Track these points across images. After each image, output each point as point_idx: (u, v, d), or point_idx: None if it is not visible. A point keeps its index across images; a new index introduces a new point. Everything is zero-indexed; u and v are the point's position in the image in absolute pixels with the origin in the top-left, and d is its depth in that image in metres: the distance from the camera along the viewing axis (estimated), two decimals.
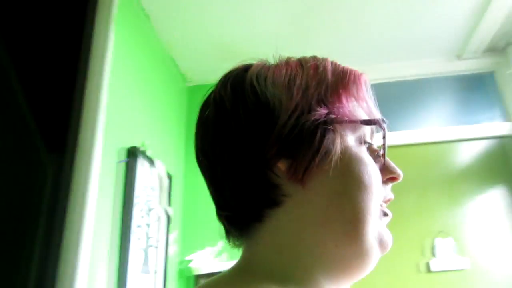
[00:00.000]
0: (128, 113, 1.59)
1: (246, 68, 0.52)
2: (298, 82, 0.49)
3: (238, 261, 0.50)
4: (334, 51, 2.17)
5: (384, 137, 0.50)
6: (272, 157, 0.46)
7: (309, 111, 0.47)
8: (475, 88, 2.30)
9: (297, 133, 0.46)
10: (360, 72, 0.53)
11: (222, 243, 1.75)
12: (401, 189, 0.69)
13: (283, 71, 0.50)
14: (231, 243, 0.52)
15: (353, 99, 0.50)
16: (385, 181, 0.50)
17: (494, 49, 2.22)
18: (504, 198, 2.11)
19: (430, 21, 1.99)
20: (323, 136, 0.46)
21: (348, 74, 0.51)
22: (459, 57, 2.28)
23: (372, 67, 2.31)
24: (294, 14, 1.90)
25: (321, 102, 0.48)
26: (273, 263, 0.47)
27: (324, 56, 0.54)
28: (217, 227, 0.53)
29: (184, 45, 2.09)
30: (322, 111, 0.47)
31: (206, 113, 0.52)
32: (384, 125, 0.50)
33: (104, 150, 1.30)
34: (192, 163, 0.70)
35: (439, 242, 2.04)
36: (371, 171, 0.47)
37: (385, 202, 0.50)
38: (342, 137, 0.47)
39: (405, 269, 2.02)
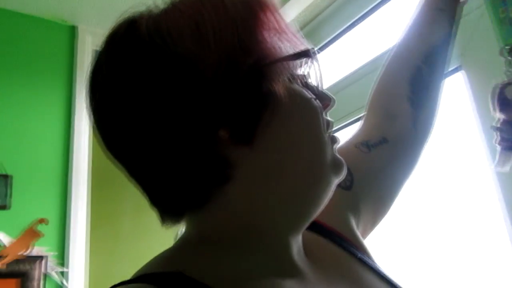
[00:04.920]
0: None
1: (131, 24, 0.43)
2: (209, 27, 0.41)
3: (185, 234, 0.46)
4: None
5: (318, 68, 0.46)
6: (212, 128, 0.41)
7: (235, 63, 0.40)
8: None
9: (231, 95, 0.40)
10: None
11: None
12: None
13: (186, 15, 0.42)
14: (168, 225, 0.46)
15: (274, 32, 0.44)
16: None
17: None
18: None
19: None
20: (259, 88, 0.41)
21: (257, 3, 0.44)
22: None
23: None
24: None
25: (244, 48, 0.41)
26: (228, 230, 0.44)
27: None
28: None
29: None
30: (249, 59, 0.41)
31: (100, 97, 0.44)
32: (313, 55, 0.45)
33: None
34: None
35: None
36: (313, 105, 0.45)
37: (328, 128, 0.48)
38: (277, 81, 0.42)
39: None
